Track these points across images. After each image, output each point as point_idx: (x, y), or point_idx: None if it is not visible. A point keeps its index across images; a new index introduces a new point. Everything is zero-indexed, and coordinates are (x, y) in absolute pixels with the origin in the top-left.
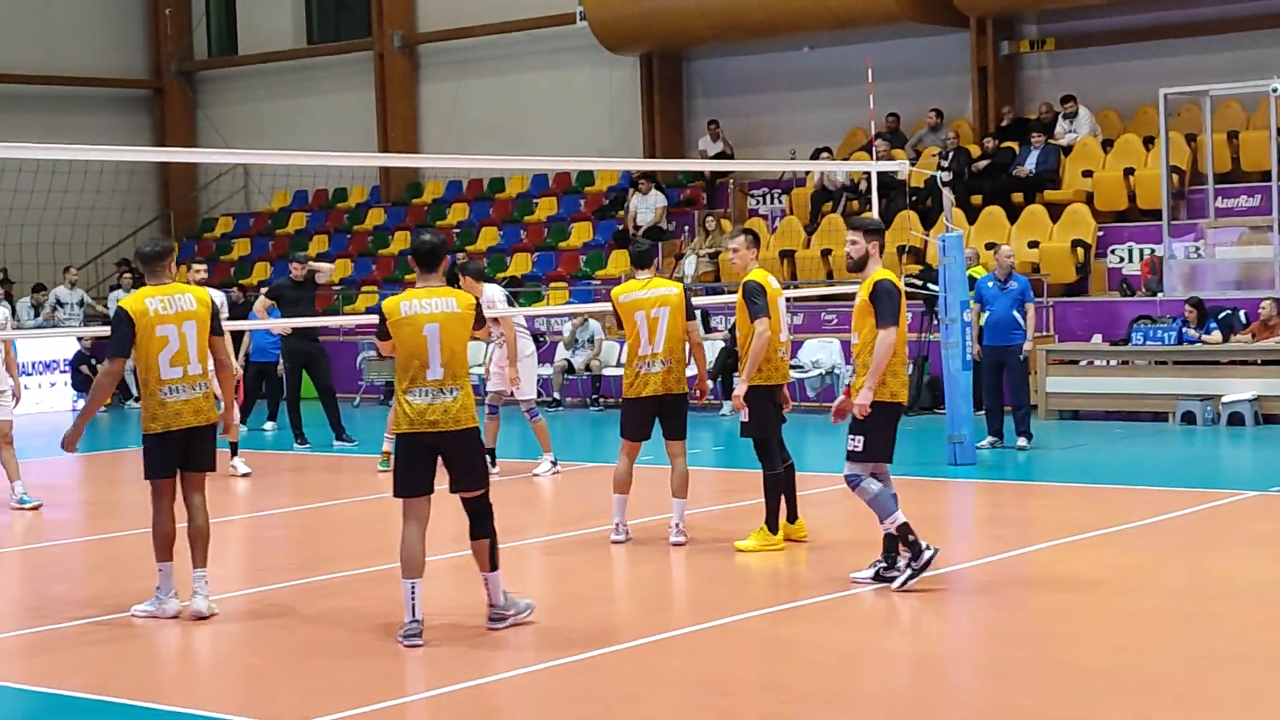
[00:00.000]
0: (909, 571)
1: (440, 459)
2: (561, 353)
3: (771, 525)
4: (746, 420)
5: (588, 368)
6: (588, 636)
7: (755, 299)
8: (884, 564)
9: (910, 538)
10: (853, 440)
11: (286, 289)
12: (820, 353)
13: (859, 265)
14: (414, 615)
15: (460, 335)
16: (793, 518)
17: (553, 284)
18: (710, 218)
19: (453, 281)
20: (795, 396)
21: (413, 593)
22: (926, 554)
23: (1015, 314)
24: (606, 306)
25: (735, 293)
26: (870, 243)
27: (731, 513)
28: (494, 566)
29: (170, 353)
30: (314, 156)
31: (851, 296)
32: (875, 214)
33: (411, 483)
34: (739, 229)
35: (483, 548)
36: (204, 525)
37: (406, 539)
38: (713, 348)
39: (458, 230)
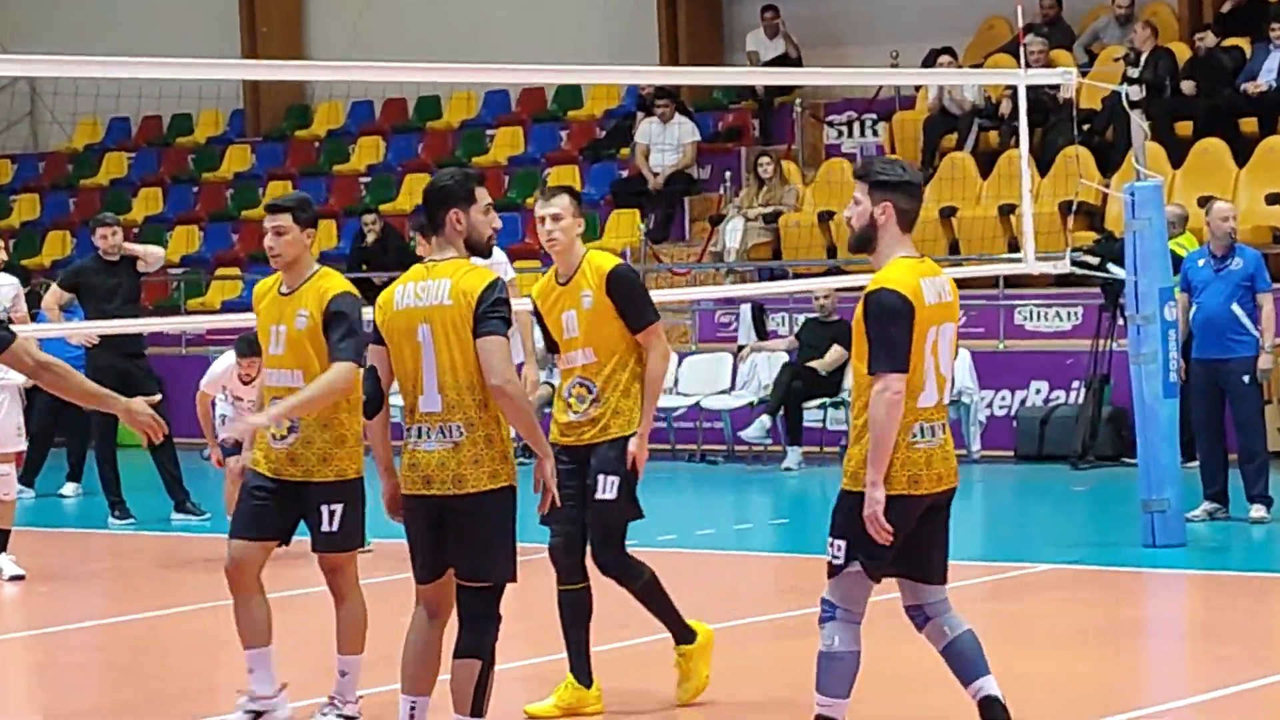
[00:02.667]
0: None
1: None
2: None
3: (683, 633)
4: (612, 498)
5: None
6: None
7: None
8: None
9: None
10: (833, 547)
11: (92, 274)
12: None
13: (864, 244)
14: None
15: (455, 341)
16: (585, 679)
17: (518, 264)
18: (765, 158)
19: (477, 251)
20: None
21: (411, 715)
22: None
23: (1238, 309)
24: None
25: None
26: (880, 203)
27: (794, 625)
28: (477, 712)
29: None
30: (139, 65)
31: (990, 282)
32: (1025, 150)
33: (413, 562)
34: (557, 188)
35: (468, 674)
36: None
37: (409, 637)
38: (769, 365)
39: (366, 179)
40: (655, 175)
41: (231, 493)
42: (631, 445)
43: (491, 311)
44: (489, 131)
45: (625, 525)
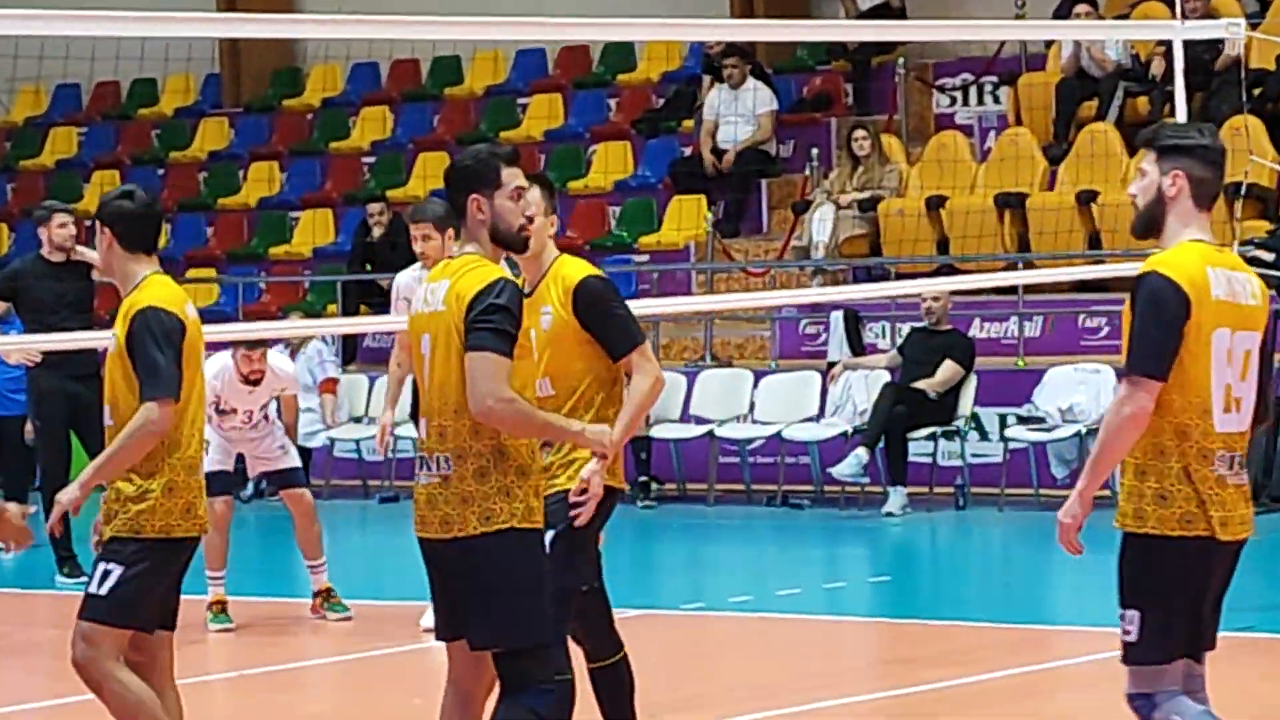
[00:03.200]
0: None
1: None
2: None
3: None
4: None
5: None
6: None
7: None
8: None
9: None
10: (1125, 621)
11: (33, 278)
12: (1076, 391)
13: (1149, 225)
14: None
15: (447, 356)
16: None
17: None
18: (861, 131)
19: (508, 245)
20: (1034, 475)
21: None
22: None
23: None
24: (660, 305)
25: (901, 275)
26: (1170, 173)
27: (899, 707)
28: None
29: None
30: (91, 19)
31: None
32: (1182, 118)
33: (432, 612)
34: (529, 178)
35: None
36: None
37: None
38: (865, 386)
39: (370, 158)
40: (724, 153)
41: (214, 541)
42: (585, 471)
43: (482, 319)
44: (520, 100)
45: (564, 595)
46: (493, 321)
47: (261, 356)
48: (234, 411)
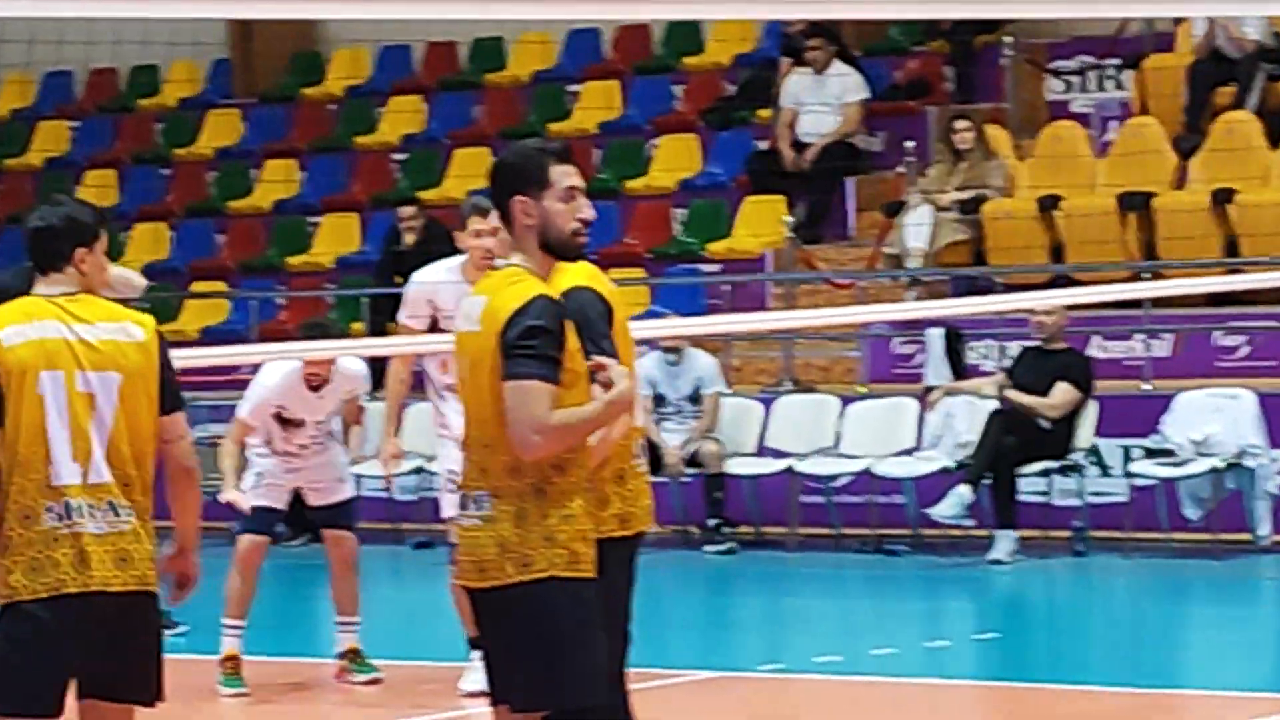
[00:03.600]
0: None
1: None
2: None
3: None
4: None
5: (694, 458)
6: None
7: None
8: None
9: None
10: None
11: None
12: (1211, 420)
13: None
14: None
15: (483, 382)
16: None
17: (615, 272)
18: (963, 121)
19: (559, 253)
20: (1163, 516)
21: None
22: None
23: None
24: (732, 322)
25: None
26: None
27: None
28: None
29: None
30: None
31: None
32: None
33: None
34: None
35: None
36: None
37: None
38: (969, 414)
39: (401, 155)
40: (806, 147)
41: (238, 586)
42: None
43: (521, 344)
44: (569, 88)
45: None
46: (532, 346)
47: (323, 366)
48: (302, 424)
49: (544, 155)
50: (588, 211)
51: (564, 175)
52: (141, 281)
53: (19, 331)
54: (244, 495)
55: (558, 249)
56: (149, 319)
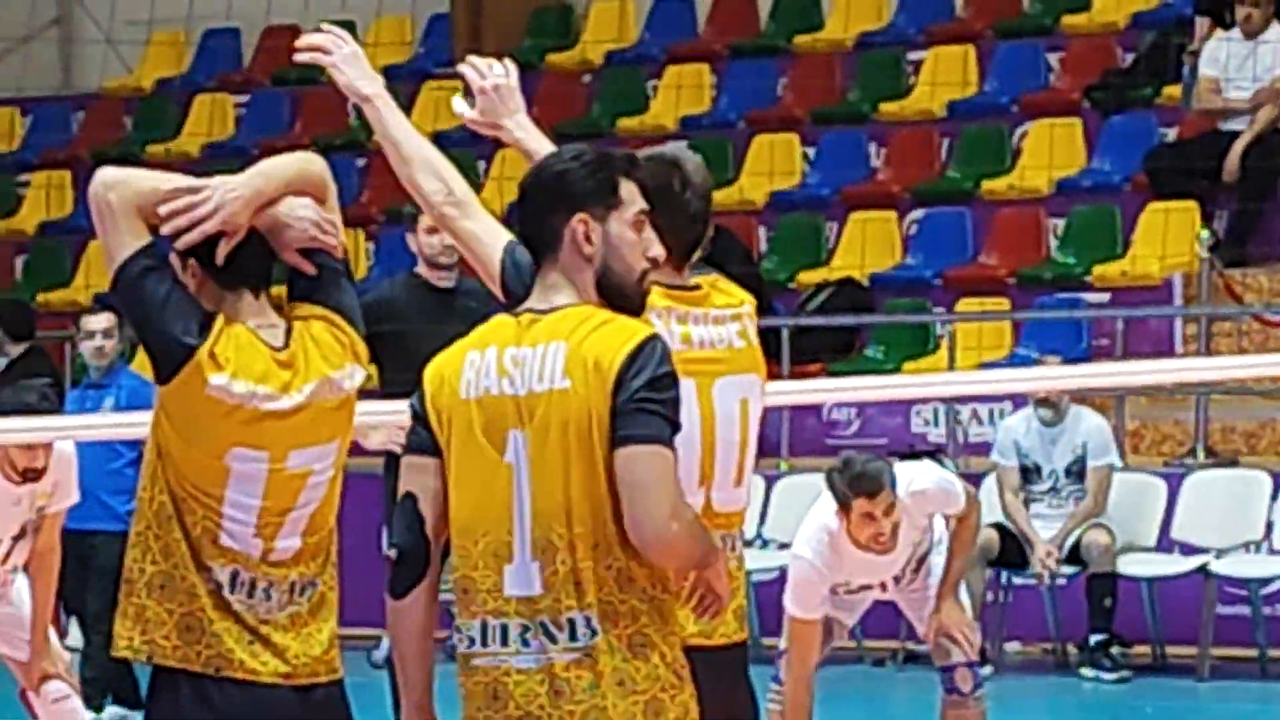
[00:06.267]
0: None
1: None
2: None
3: None
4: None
5: (1074, 553)
6: None
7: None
8: None
9: None
10: None
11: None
12: None
13: None
14: None
15: (574, 458)
16: None
17: (967, 301)
18: None
19: (619, 298)
20: None
21: None
22: None
23: None
24: (1126, 372)
25: None
26: None
27: None
28: None
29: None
30: None
31: None
32: None
33: None
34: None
35: None
36: None
37: None
38: None
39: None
40: (1231, 138)
41: None
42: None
43: (649, 399)
44: (912, 54)
45: None
46: (661, 404)
47: None
48: None
49: (612, 164)
50: (657, 248)
51: (634, 195)
52: None
53: None
54: None
55: (620, 290)
56: None
